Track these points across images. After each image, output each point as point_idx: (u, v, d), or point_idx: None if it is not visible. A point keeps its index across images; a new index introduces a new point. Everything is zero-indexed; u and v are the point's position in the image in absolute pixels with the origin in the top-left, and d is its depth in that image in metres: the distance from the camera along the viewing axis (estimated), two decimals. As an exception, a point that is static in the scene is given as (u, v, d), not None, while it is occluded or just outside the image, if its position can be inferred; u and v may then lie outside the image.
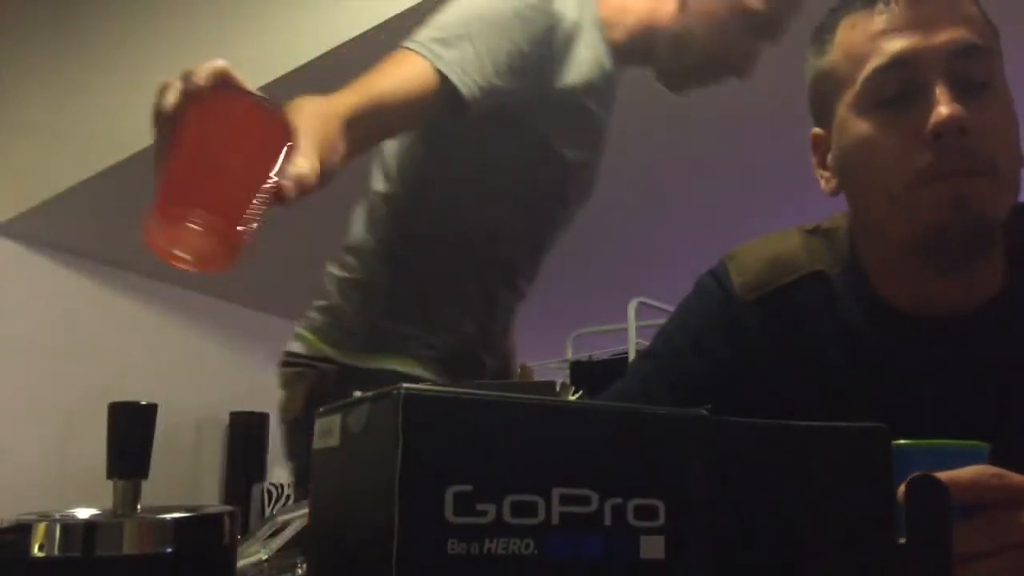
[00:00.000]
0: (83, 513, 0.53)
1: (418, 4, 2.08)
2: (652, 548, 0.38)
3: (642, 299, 3.17)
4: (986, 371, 0.80)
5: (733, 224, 3.09)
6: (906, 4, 0.77)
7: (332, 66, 2.30)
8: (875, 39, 0.78)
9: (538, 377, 3.37)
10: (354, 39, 2.20)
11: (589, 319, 3.54)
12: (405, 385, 0.36)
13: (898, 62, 0.76)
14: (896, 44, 0.76)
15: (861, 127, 0.79)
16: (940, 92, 0.74)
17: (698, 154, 2.85)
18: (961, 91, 0.75)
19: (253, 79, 2.54)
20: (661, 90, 2.28)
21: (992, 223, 0.77)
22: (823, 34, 0.84)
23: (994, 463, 0.60)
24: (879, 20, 0.78)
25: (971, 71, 0.76)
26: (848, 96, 0.80)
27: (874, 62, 0.77)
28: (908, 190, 0.76)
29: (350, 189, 3.24)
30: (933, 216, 0.75)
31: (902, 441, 0.59)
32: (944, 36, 0.76)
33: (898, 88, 0.76)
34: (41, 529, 0.50)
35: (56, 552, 0.49)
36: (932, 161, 0.74)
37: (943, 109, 0.73)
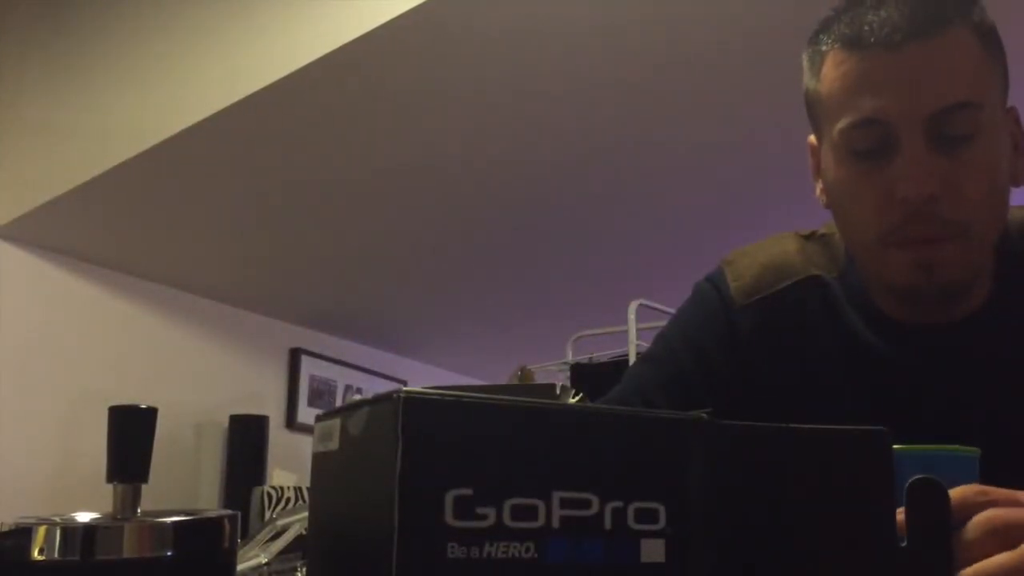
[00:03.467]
0: (83, 517, 0.53)
1: (420, 5, 2.08)
2: (652, 551, 0.38)
3: (642, 301, 3.17)
4: (979, 375, 0.80)
5: (734, 226, 3.09)
6: (888, 53, 0.74)
7: (334, 68, 2.30)
8: (853, 92, 0.76)
9: (539, 379, 3.36)
10: (356, 40, 2.20)
11: (589, 321, 3.54)
12: (405, 389, 0.36)
13: (872, 121, 0.74)
14: (872, 102, 0.74)
15: (839, 173, 0.79)
16: (912, 156, 0.72)
17: (698, 155, 2.85)
18: (939, 145, 0.73)
19: (255, 80, 2.55)
20: (661, 92, 2.29)
21: (961, 283, 0.77)
22: (815, 54, 0.81)
23: (987, 467, 0.60)
24: (862, 66, 0.75)
25: (952, 128, 0.73)
26: (830, 132, 0.79)
27: (850, 117, 0.76)
28: (879, 246, 0.76)
29: (351, 192, 3.25)
30: (901, 278, 0.76)
31: (894, 447, 0.59)
32: (924, 96, 0.73)
33: (873, 143, 0.75)
34: (41, 533, 0.50)
35: (56, 556, 0.49)
36: (899, 224, 0.74)
37: (911, 183, 0.72)
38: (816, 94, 0.81)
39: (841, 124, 0.76)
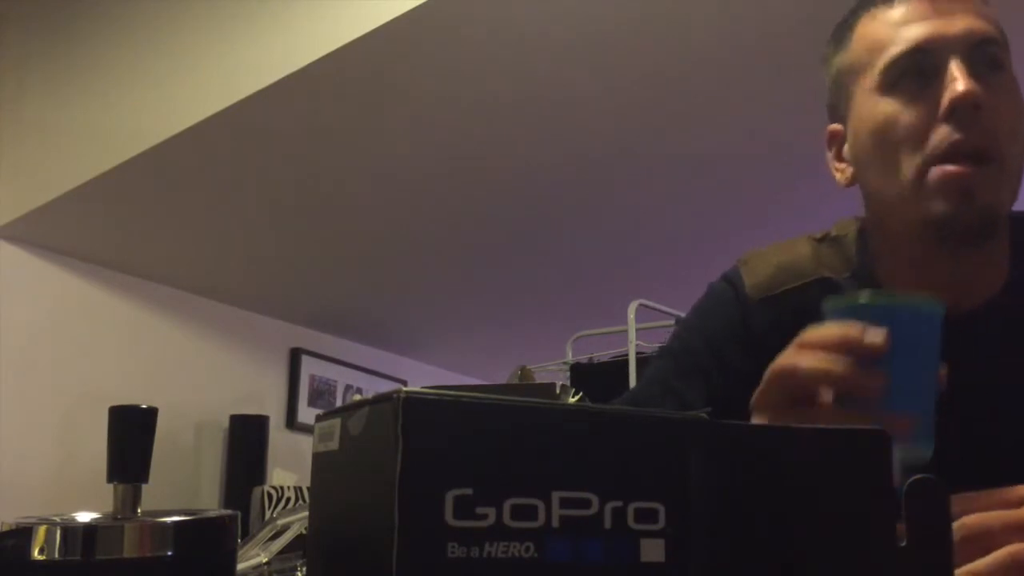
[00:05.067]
0: (83, 517, 0.53)
1: (418, 6, 2.08)
2: (652, 551, 0.38)
3: (642, 301, 3.16)
4: (994, 365, 0.80)
5: (733, 227, 3.09)
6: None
7: (334, 68, 2.30)
8: (895, 28, 0.81)
9: (539, 379, 3.36)
10: (354, 42, 2.20)
11: (589, 321, 3.53)
12: (404, 389, 0.36)
13: (917, 49, 0.79)
14: (915, 31, 0.79)
15: (880, 107, 0.81)
16: (957, 70, 0.77)
17: (699, 158, 2.85)
18: (977, 72, 0.77)
19: (253, 81, 2.55)
20: (662, 93, 2.29)
21: (996, 214, 0.79)
22: (842, 31, 0.87)
23: (1007, 461, 0.60)
24: (898, 12, 0.81)
25: (986, 57, 0.78)
26: (867, 82, 0.83)
27: (894, 49, 0.80)
28: (920, 172, 0.78)
29: (351, 192, 3.25)
30: (941, 204, 0.77)
31: (862, 299, 0.62)
32: (961, 25, 0.79)
33: (917, 72, 0.79)
34: (41, 533, 0.50)
35: (56, 556, 0.49)
36: (946, 137, 0.77)
37: (959, 85, 0.76)
38: (845, 62, 0.86)
39: (884, 58, 0.81)
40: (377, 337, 4.70)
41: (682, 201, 3.19)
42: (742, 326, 0.89)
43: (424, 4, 2.07)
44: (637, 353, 3.05)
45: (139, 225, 3.22)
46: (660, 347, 0.98)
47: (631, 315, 3.12)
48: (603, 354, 3.52)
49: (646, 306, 3.15)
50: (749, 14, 2.10)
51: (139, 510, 0.54)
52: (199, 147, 2.65)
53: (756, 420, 0.66)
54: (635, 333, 3.09)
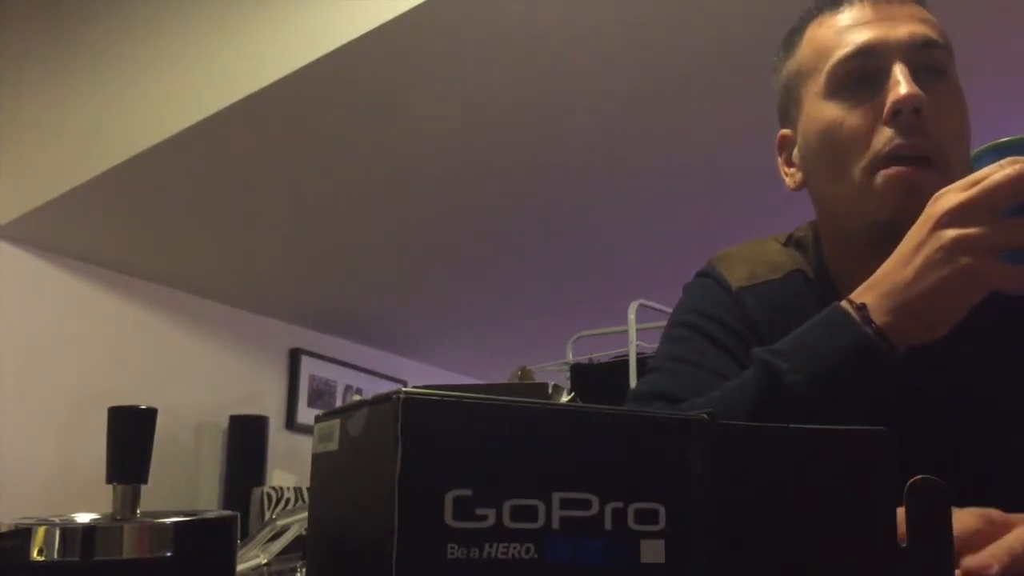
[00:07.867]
0: (82, 517, 0.53)
1: (417, 6, 2.08)
2: (653, 552, 0.38)
3: (642, 301, 3.16)
4: (950, 362, 0.80)
5: (734, 226, 3.09)
6: (871, 5, 0.83)
7: (334, 68, 2.30)
8: (841, 33, 0.83)
9: (538, 379, 3.36)
10: (353, 42, 2.20)
11: (589, 321, 3.53)
12: (404, 390, 0.36)
13: (862, 51, 0.81)
14: (860, 35, 0.81)
15: (826, 111, 0.83)
16: (900, 73, 0.79)
17: (699, 158, 2.85)
18: (919, 77, 0.79)
19: (252, 81, 2.53)
20: (662, 94, 2.28)
21: None
22: (792, 37, 0.89)
23: (961, 454, 0.60)
24: (845, 17, 0.84)
25: (929, 61, 0.80)
26: (815, 87, 0.84)
27: (840, 52, 0.82)
28: (866, 176, 0.79)
29: (351, 192, 3.24)
30: (888, 206, 0.78)
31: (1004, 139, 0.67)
32: (905, 29, 0.81)
33: (862, 75, 0.81)
34: (40, 533, 0.50)
35: (55, 557, 0.49)
36: (890, 139, 0.78)
37: (902, 88, 0.77)
38: (795, 67, 0.87)
39: (831, 62, 0.82)
40: (377, 337, 4.70)
41: (683, 202, 3.19)
42: (734, 305, 0.89)
43: (424, 4, 2.07)
44: (637, 353, 3.05)
45: (139, 225, 3.22)
46: (662, 339, 0.97)
47: (631, 315, 3.12)
48: (603, 354, 3.52)
49: (646, 306, 3.15)
50: (748, 17, 2.10)
51: (138, 511, 0.54)
52: (198, 147, 2.65)
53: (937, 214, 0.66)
54: (635, 333, 3.09)
